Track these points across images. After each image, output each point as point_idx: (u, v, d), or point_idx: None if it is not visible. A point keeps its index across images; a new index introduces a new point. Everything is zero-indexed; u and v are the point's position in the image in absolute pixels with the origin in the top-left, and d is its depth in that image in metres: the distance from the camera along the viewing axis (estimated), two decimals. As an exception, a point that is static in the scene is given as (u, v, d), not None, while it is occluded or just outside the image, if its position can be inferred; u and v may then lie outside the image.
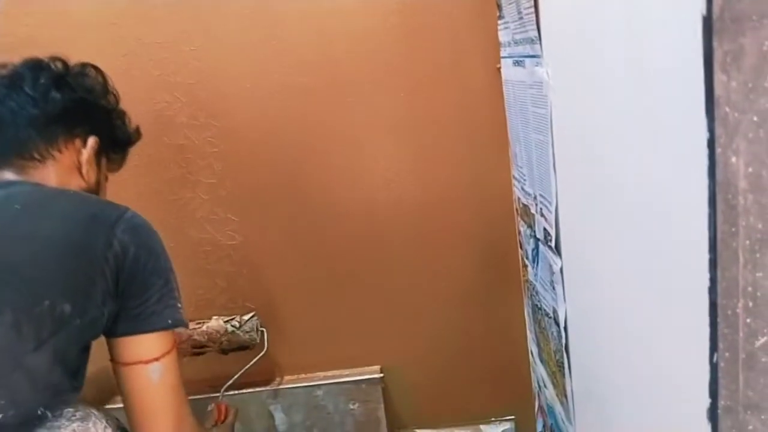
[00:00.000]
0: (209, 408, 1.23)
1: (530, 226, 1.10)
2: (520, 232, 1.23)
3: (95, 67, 0.97)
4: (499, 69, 1.20)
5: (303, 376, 1.40)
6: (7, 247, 0.76)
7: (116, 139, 0.99)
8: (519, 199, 1.19)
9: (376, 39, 1.23)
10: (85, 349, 0.83)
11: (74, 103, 0.91)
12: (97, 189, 0.96)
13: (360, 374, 1.38)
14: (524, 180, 1.10)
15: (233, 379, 1.31)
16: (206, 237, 1.33)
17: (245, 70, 1.25)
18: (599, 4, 0.74)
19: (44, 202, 0.83)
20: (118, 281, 0.80)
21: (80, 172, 0.92)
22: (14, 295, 0.73)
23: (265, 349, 1.32)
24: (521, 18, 0.96)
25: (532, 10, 0.89)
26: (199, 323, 1.31)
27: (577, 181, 0.84)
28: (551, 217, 0.92)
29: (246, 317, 1.32)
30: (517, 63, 1.05)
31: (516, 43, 1.04)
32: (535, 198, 1.03)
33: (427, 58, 1.25)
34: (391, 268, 1.35)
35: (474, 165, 1.31)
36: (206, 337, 1.29)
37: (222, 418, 1.22)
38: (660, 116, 0.50)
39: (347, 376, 1.38)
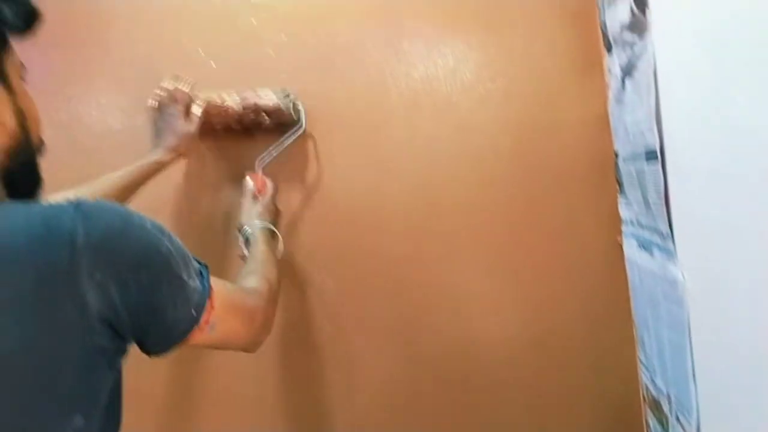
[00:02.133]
0: (245, 180, 1.15)
1: (662, 424, 0.99)
2: (648, 425, 1.11)
3: None
4: (619, 243, 1.15)
5: None
6: None
7: (11, 34, 0.64)
8: (647, 387, 1.08)
9: (489, 198, 1.22)
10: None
11: None
12: (22, 125, 0.65)
13: None
14: (654, 371, 1.01)
15: (269, 150, 1.19)
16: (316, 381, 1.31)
17: (358, 213, 1.25)
18: (744, 203, 0.69)
19: None
20: (119, 321, 0.60)
21: None
22: None
23: (302, 126, 1.18)
24: (648, 206, 0.92)
25: (663, 204, 0.85)
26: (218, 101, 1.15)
27: (724, 397, 0.75)
28: (691, 430, 0.82)
29: (277, 90, 1.18)
30: (644, 247, 0.99)
31: (641, 226, 0.99)
32: (668, 398, 0.93)
33: (541, 222, 1.21)
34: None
35: (591, 333, 1.21)
36: (224, 112, 1.15)
37: (261, 189, 1.14)
38: None
39: None
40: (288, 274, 1.24)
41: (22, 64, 0.67)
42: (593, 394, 1.20)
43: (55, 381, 0.56)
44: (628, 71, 0.92)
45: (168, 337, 0.66)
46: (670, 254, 0.85)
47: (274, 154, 1.19)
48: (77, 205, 0.58)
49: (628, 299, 1.15)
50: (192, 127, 1.10)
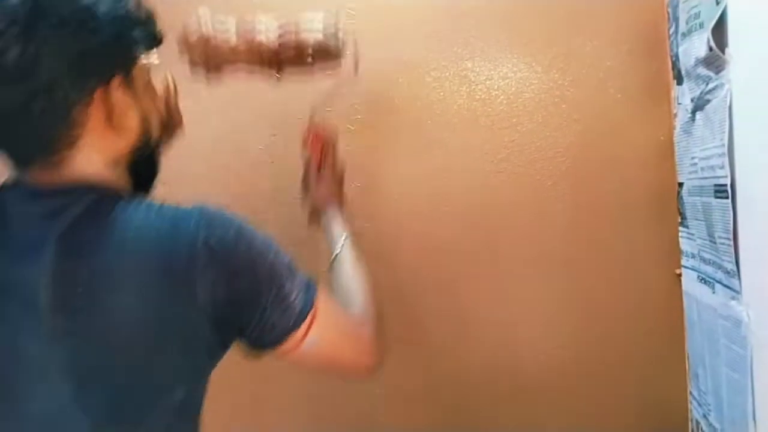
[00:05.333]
0: (304, 141, 1.01)
1: (714, 463, 0.97)
2: (698, 461, 1.09)
3: None
4: (678, 275, 1.13)
5: None
6: (102, 359, 0.63)
7: (134, 48, 0.71)
8: (698, 423, 1.06)
9: (546, 221, 1.21)
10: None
11: (81, 57, 0.65)
12: (145, 127, 0.74)
13: None
14: (709, 408, 0.99)
15: (323, 99, 1.02)
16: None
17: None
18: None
19: (111, 274, 0.64)
20: (222, 317, 0.67)
21: (115, 130, 0.70)
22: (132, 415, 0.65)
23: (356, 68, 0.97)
24: (714, 242, 0.91)
25: (731, 242, 0.83)
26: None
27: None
28: (749, 475, 0.81)
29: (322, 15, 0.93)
30: (705, 281, 0.98)
31: (704, 261, 0.98)
32: (724, 438, 0.92)
33: (598, 248, 1.20)
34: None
35: (642, 363, 1.19)
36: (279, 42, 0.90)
37: (319, 155, 1.00)
38: None
39: None
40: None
41: (150, 67, 0.75)
42: (640, 426, 1.18)
43: (166, 352, 0.66)
44: (700, 105, 0.91)
45: (264, 338, 0.71)
46: (734, 292, 0.84)
47: (329, 107, 1.02)
48: (201, 212, 0.68)
49: (683, 332, 1.13)
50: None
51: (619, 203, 1.19)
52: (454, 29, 1.22)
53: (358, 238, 1.00)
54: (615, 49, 1.18)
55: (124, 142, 0.72)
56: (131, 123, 0.72)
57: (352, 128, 1.23)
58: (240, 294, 0.67)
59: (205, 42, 0.90)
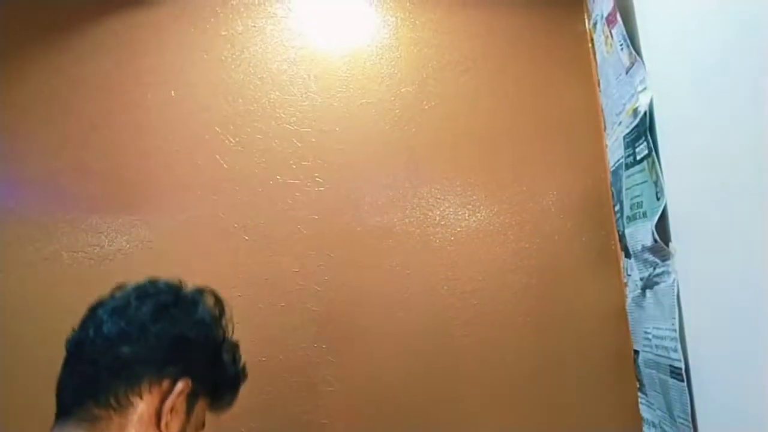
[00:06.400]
0: None
1: None
2: None
3: (214, 294, 0.84)
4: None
5: None
6: None
7: (218, 379, 0.82)
8: None
9: (507, 382, 1.22)
10: None
11: (170, 340, 0.76)
12: None
13: None
14: None
15: None
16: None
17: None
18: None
19: None
20: None
21: (157, 425, 0.73)
22: None
23: None
24: (673, 419, 0.93)
25: (689, 424, 0.86)
26: None
27: None
28: None
29: None
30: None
31: (665, 433, 0.99)
32: None
33: (563, 413, 1.21)
34: None
35: None
36: None
37: None
38: None
39: None
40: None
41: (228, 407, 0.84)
42: None
43: None
44: (649, 284, 0.97)
45: None
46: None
47: None
48: None
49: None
50: None
51: (578, 368, 1.21)
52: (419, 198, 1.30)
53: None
54: (563, 219, 1.26)
55: None
56: (173, 430, 0.74)
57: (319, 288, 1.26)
58: None
59: None
